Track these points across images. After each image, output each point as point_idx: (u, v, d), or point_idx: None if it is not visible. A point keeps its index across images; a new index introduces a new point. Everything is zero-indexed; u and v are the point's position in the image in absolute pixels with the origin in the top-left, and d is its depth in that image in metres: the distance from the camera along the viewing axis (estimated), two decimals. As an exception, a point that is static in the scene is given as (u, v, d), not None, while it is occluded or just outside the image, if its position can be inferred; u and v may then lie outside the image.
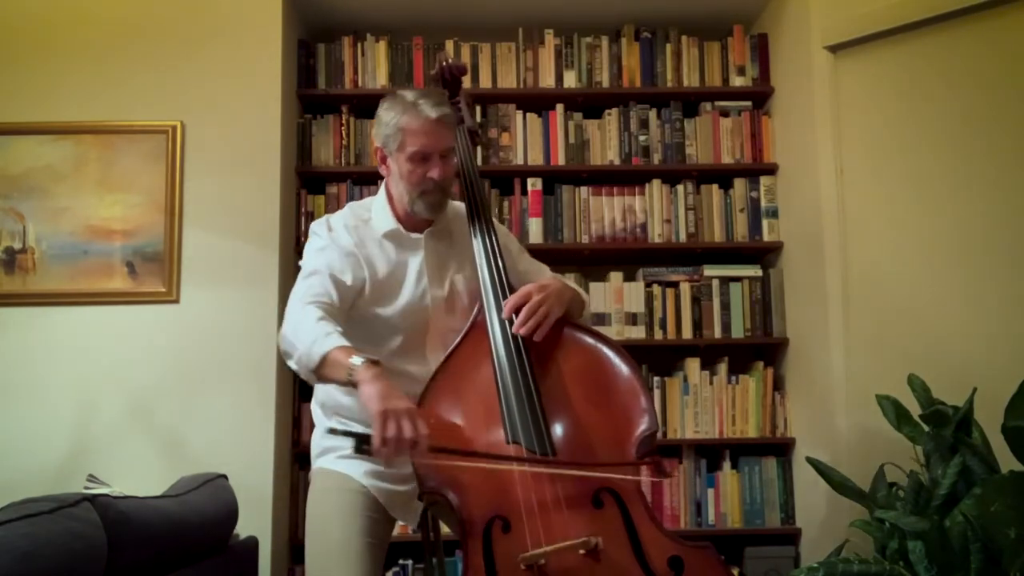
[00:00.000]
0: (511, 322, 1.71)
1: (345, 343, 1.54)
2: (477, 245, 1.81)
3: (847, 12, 2.74)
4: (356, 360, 1.49)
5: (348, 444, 1.62)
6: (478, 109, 3.10)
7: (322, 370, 1.54)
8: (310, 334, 1.56)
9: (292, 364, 1.61)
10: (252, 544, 2.27)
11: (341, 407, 1.82)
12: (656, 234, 3.10)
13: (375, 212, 1.84)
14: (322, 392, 1.86)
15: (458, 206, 1.90)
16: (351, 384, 1.49)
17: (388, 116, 1.75)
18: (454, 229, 1.87)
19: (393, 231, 1.81)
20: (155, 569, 1.66)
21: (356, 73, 3.14)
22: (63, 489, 1.77)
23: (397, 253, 1.81)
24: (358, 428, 1.78)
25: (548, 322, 1.70)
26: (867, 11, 2.68)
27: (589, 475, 1.56)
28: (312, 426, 1.91)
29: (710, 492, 2.99)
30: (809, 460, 2.27)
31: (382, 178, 1.85)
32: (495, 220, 1.91)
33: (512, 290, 1.75)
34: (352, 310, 1.77)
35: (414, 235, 1.82)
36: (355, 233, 1.80)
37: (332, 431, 1.53)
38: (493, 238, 1.81)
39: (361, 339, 1.77)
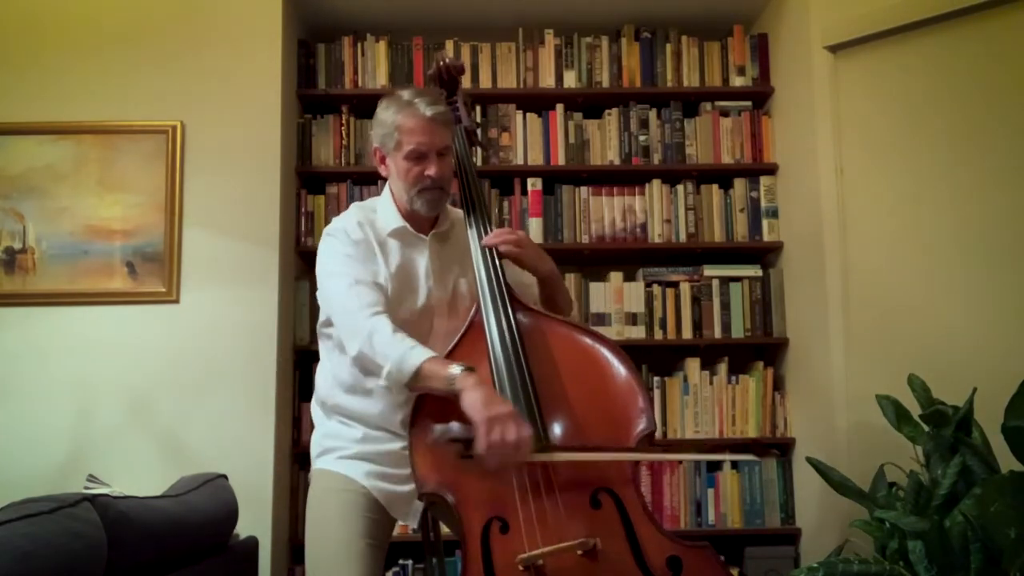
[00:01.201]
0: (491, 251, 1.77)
1: (434, 353, 1.59)
2: (475, 246, 1.81)
3: (847, 12, 2.74)
4: (455, 370, 1.54)
5: (351, 447, 1.64)
6: (478, 109, 3.10)
7: (417, 383, 1.59)
8: (394, 349, 1.59)
9: (381, 381, 1.64)
10: (252, 544, 2.27)
11: (341, 408, 1.82)
12: (656, 234, 3.10)
13: (381, 211, 1.85)
14: (322, 392, 1.86)
15: (460, 212, 1.91)
16: (451, 393, 1.54)
17: (385, 116, 1.77)
18: (458, 232, 1.88)
19: (400, 229, 1.82)
20: (155, 569, 1.66)
21: (356, 73, 3.14)
22: (63, 489, 1.77)
23: (404, 252, 1.82)
24: (361, 431, 1.79)
25: (521, 248, 1.78)
26: (867, 11, 2.68)
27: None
28: (312, 426, 1.91)
29: (710, 492, 2.99)
30: (809, 460, 2.27)
31: (383, 178, 1.86)
32: (494, 221, 1.91)
33: (509, 289, 1.76)
34: None
35: (419, 235, 1.83)
36: (370, 232, 1.80)
37: (450, 439, 1.54)
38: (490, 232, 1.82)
39: None
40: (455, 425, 1.53)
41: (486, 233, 1.82)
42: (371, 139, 1.85)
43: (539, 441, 1.60)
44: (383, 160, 1.82)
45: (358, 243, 1.77)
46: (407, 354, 1.58)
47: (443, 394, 1.56)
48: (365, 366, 1.65)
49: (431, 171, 1.75)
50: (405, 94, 1.77)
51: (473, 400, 1.50)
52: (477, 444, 1.47)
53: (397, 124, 1.75)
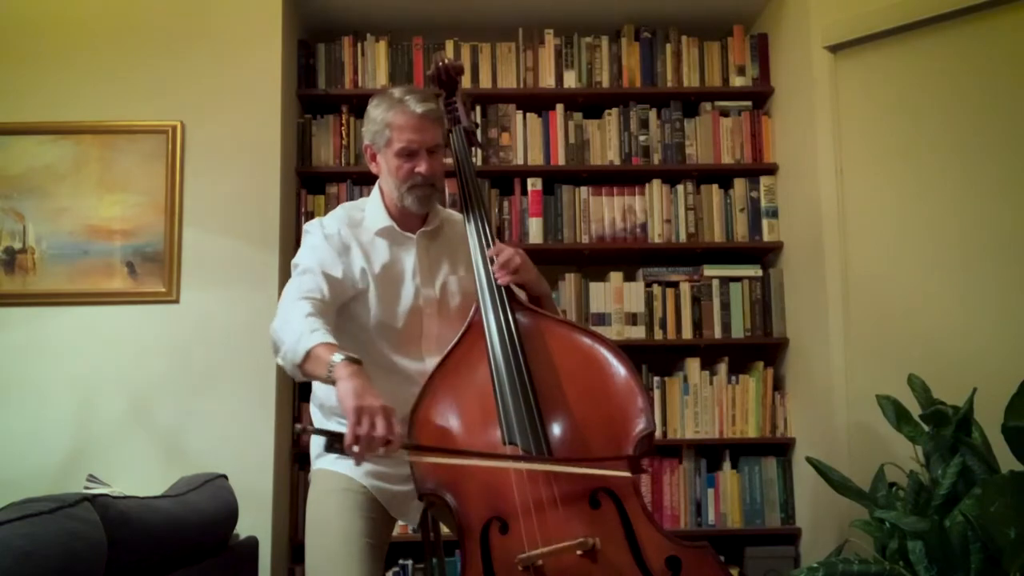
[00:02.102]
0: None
1: (329, 340, 1.54)
2: (474, 247, 1.81)
3: (847, 12, 2.74)
4: (336, 357, 1.50)
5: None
6: (478, 109, 3.10)
7: (305, 365, 1.55)
8: (296, 330, 1.57)
9: (278, 359, 1.62)
10: (252, 544, 2.28)
11: (341, 408, 1.81)
12: (656, 234, 3.10)
13: (368, 211, 1.86)
14: (321, 393, 1.86)
15: (453, 213, 1.93)
16: (330, 381, 1.50)
17: (376, 113, 1.79)
18: (447, 231, 1.89)
19: (387, 228, 1.83)
20: (155, 569, 1.66)
21: (356, 73, 3.14)
22: (63, 489, 1.78)
23: (391, 251, 1.83)
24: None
25: (519, 275, 1.77)
26: (867, 11, 2.68)
27: (575, 472, 1.56)
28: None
29: (710, 492, 2.99)
30: (809, 460, 2.27)
31: (377, 178, 1.87)
32: (493, 223, 1.92)
33: (508, 290, 1.77)
34: (353, 307, 1.78)
35: (407, 234, 1.84)
36: (349, 232, 1.81)
37: (303, 430, 1.53)
38: (490, 240, 1.82)
39: (360, 338, 1.78)
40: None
41: (486, 235, 1.82)
42: (362, 136, 1.86)
43: (539, 442, 1.60)
44: (374, 157, 1.85)
45: (329, 237, 1.79)
46: (304, 336, 1.54)
47: (324, 381, 1.53)
48: (273, 344, 1.64)
49: (421, 168, 1.76)
50: (396, 92, 1.78)
51: (345, 390, 1.44)
52: (345, 435, 1.41)
53: (388, 121, 1.76)
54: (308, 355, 1.53)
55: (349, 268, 1.78)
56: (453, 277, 1.85)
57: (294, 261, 1.80)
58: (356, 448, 1.41)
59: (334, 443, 1.44)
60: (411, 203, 1.80)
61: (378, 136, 1.79)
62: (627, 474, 1.53)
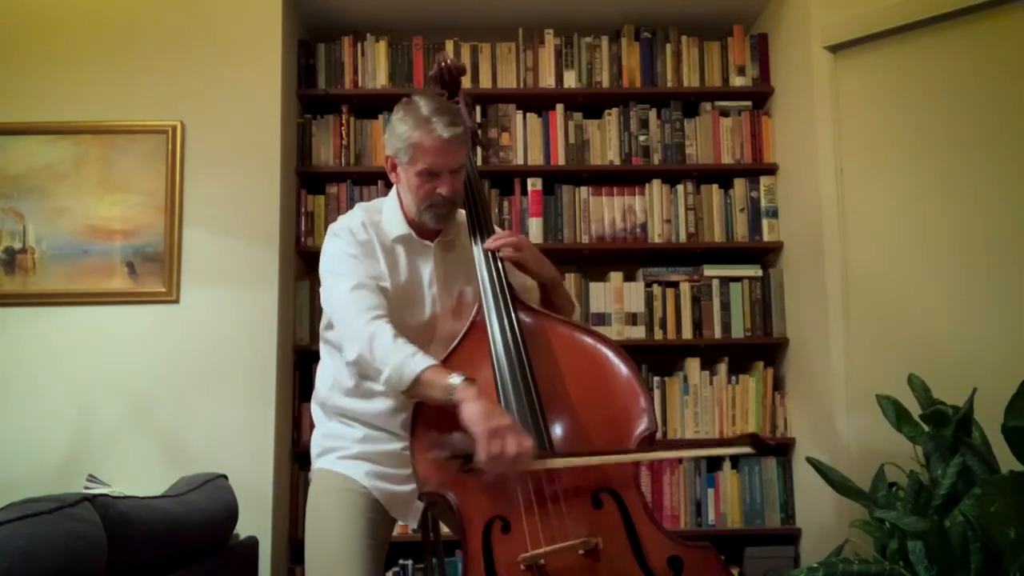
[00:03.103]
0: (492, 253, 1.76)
1: (435, 362, 1.59)
2: (477, 249, 1.80)
3: (847, 12, 2.74)
4: (455, 380, 1.54)
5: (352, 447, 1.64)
6: (478, 109, 3.10)
7: (415, 390, 1.59)
8: (395, 354, 1.59)
9: (379, 385, 1.64)
10: (252, 544, 2.27)
11: (342, 409, 1.82)
12: (656, 234, 3.10)
13: (386, 215, 1.83)
14: (322, 394, 1.86)
15: (463, 214, 1.90)
16: (449, 403, 1.54)
17: (401, 128, 1.73)
18: (463, 240, 1.87)
19: (405, 236, 1.81)
20: (155, 569, 1.66)
21: (356, 73, 3.14)
22: (63, 489, 1.77)
23: (408, 259, 1.81)
24: (362, 431, 1.79)
25: (521, 251, 1.77)
26: (867, 11, 2.68)
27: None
28: (312, 426, 1.91)
29: (710, 492, 2.99)
30: (809, 460, 2.27)
31: (383, 178, 1.86)
32: (499, 230, 1.91)
33: (511, 289, 1.76)
34: None
35: (425, 242, 1.82)
36: (375, 234, 1.79)
37: (451, 455, 1.55)
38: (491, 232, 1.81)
39: None
40: (455, 437, 1.54)
41: (487, 239, 1.81)
42: (384, 143, 1.82)
43: (541, 442, 1.60)
44: (395, 168, 1.79)
45: (363, 244, 1.76)
46: (407, 361, 1.58)
47: (441, 403, 1.56)
48: (364, 370, 1.66)
49: (443, 189, 1.74)
50: (424, 107, 1.72)
51: (472, 412, 1.50)
52: (478, 457, 1.48)
53: (413, 141, 1.71)
54: (418, 380, 1.57)
55: (385, 276, 1.76)
56: (468, 287, 1.84)
57: (332, 268, 1.76)
58: (490, 467, 1.48)
59: (467, 465, 1.51)
60: (428, 220, 1.78)
61: (401, 152, 1.75)
62: (749, 450, 1.59)
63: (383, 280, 1.74)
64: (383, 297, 1.71)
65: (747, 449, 1.57)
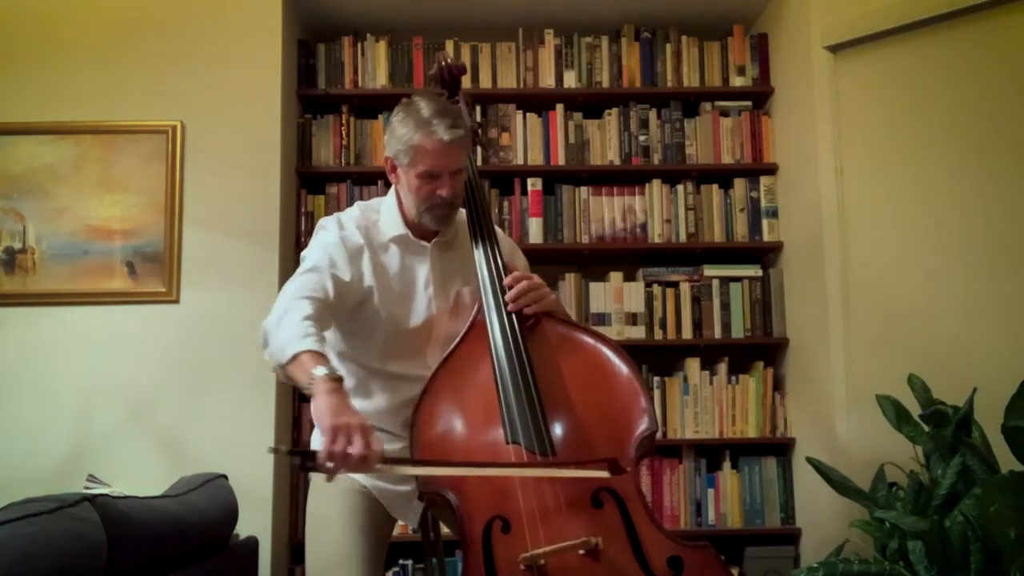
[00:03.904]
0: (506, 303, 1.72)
1: (318, 348, 1.51)
2: (478, 250, 1.80)
3: (847, 12, 2.74)
4: (318, 371, 1.46)
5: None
6: (478, 109, 3.10)
7: (289, 368, 1.53)
8: (290, 330, 1.54)
9: (265, 354, 1.59)
10: (252, 544, 2.27)
11: (317, 424, 1.81)
12: (656, 234, 3.10)
13: (384, 215, 1.82)
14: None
15: (462, 213, 1.88)
16: (308, 392, 1.47)
17: (401, 131, 1.71)
18: (461, 238, 1.86)
19: (401, 236, 1.80)
20: (155, 569, 1.66)
21: (356, 73, 3.14)
22: (63, 489, 1.77)
23: (404, 259, 1.80)
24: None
25: (541, 302, 1.72)
26: (867, 11, 2.68)
27: (559, 475, 1.55)
28: (312, 426, 1.90)
29: (710, 492, 2.99)
30: (809, 460, 2.27)
31: (383, 178, 1.85)
32: (499, 230, 1.90)
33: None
34: (362, 312, 1.76)
35: (422, 243, 1.81)
36: (365, 233, 1.78)
37: (275, 450, 1.52)
38: (494, 243, 1.81)
39: (367, 342, 1.77)
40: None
41: (487, 241, 1.80)
42: (384, 144, 1.81)
43: (541, 442, 1.60)
44: (394, 169, 1.78)
45: (345, 239, 1.75)
46: (296, 340, 1.52)
47: (303, 389, 1.50)
48: (263, 338, 1.61)
49: (443, 192, 1.72)
50: (424, 109, 1.70)
51: (321, 407, 1.42)
52: (319, 452, 1.39)
53: (413, 144, 1.69)
54: (295, 359, 1.51)
55: (361, 269, 1.75)
56: (466, 289, 1.82)
57: (304, 254, 1.76)
58: (331, 465, 1.39)
59: (306, 462, 1.41)
60: (428, 221, 1.77)
61: (401, 154, 1.73)
62: (605, 474, 1.49)
63: (340, 271, 1.71)
64: (331, 284, 1.67)
65: (603, 473, 1.51)
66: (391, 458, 1.52)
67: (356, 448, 1.38)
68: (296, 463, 1.42)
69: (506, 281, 1.74)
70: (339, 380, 1.48)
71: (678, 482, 2.98)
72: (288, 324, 1.56)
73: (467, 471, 1.57)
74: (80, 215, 2.82)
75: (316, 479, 1.83)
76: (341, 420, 1.40)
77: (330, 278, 1.68)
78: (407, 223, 1.81)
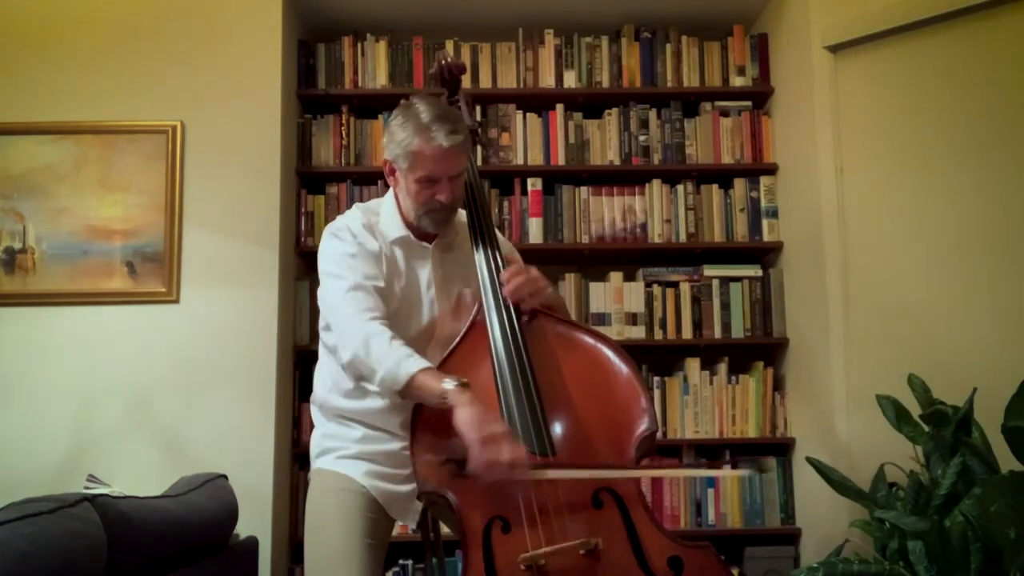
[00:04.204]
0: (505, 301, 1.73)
1: (429, 365, 1.58)
2: (478, 250, 1.80)
3: (847, 12, 2.74)
4: (448, 384, 1.53)
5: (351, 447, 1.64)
6: (478, 109, 3.10)
7: (409, 392, 1.58)
8: (389, 356, 1.58)
9: (373, 386, 1.63)
10: (252, 544, 2.27)
11: (341, 410, 1.81)
12: (656, 234, 3.10)
13: (383, 216, 1.82)
14: (320, 395, 1.86)
15: (462, 214, 1.88)
16: (443, 407, 1.53)
17: (401, 135, 1.70)
18: (462, 241, 1.86)
19: (403, 238, 1.80)
20: (155, 569, 1.66)
21: (356, 73, 3.14)
22: (63, 489, 1.78)
23: (406, 260, 1.80)
24: (361, 431, 1.79)
25: (539, 295, 1.74)
26: (867, 11, 2.68)
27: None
28: (312, 426, 1.91)
29: (710, 492, 2.99)
30: (809, 460, 2.27)
31: (383, 178, 1.84)
32: (498, 233, 1.90)
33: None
34: None
35: (423, 244, 1.81)
36: (372, 236, 1.78)
37: (445, 459, 1.55)
38: (495, 243, 1.81)
39: None
40: (454, 442, 1.52)
41: (487, 243, 1.80)
42: (383, 147, 1.80)
43: (542, 442, 1.60)
44: (393, 172, 1.78)
45: (362, 245, 1.75)
46: (402, 362, 1.56)
47: (434, 406, 1.55)
48: (358, 371, 1.64)
49: (442, 196, 1.72)
50: (424, 114, 1.69)
51: (465, 418, 1.49)
52: (470, 463, 1.47)
53: (412, 149, 1.69)
54: (411, 382, 1.56)
55: (384, 277, 1.75)
56: (468, 289, 1.82)
57: (330, 269, 1.74)
58: (484, 474, 1.47)
59: (460, 470, 1.50)
60: (428, 224, 1.77)
61: (400, 158, 1.72)
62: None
63: (378, 281, 1.72)
64: (380, 299, 1.70)
65: (749, 472, 1.56)
66: (539, 465, 1.56)
67: (506, 456, 1.46)
68: (451, 472, 1.51)
69: (504, 275, 1.74)
70: (468, 386, 1.54)
71: (678, 482, 2.98)
72: (381, 350, 1.60)
73: (616, 474, 1.59)
74: (80, 215, 2.82)
75: (316, 479, 1.83)
76: (487, 430, 1.48)
77: (376, 293, 1.70)
78: (407, 225, 1.81)
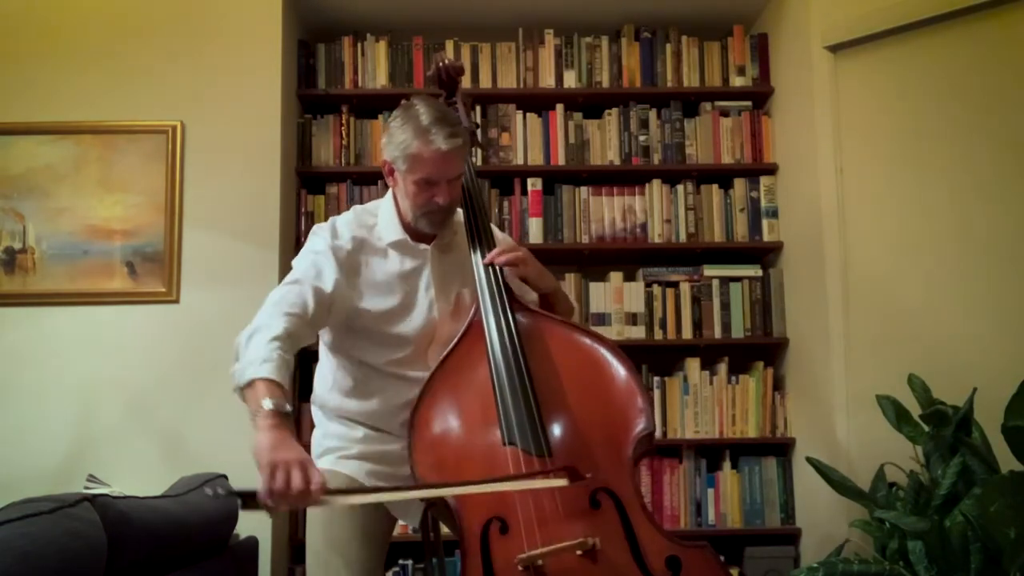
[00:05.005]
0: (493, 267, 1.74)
1: (274, 378, 1.48)
2: (475, 251, 1.80)
3: (847, 12, 2.74)
4: (266, 403, 1.44)
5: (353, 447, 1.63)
6: (478, 109, 3.10)
7: (244, 392, 1.51)
8: (254, 352, 1.52)
9: (231, 371, 1.56)
10: (252, 544, 2.28)
11: (341, 410, 1.81)
12: (656, 234, 3.10)
13: (381, 219, 1.82)
14: (321, 395, 1.86)
15: (459, 214, 1.88)
16: (254, 424, 1.45)
17: (400, 136, 1.70)
18: (460, 242, 1.85)
19: (400, 241, 1.80)
20: (155, 569, 1.66)
21: (356, 73, 3.14)
22: (63, 489, 1.78)
23: (404, 263, 1.80)
24: (362, 431, 1.79)
25: (523, 265, 1.75)
26: (867, 11, 2.68)
27: (515, 488, 1.54)
28: (312, 426, 1.91)
29: (710, 492, 2.99)
30: (809, 460, 2.27)
31: (383, 178, 1.84)
32: (496, 230, 1.90)
33: (508, 290, 1.75)
34: (362, 316, 1.75)
35: (421, 246, 1.81)
36: (361, 239, 1.78)
37: (216, 495, 1.50)
38: (491, 243, 1.81)
39: (369, 346, 1.77)
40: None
41: (485, 243, 1.80)
42: (381, 148, 1.79)
43: (538, 443, 1.60)
44: (391, 173, 1.77)
45: (337, 248, 1.73)
46: (255, 365, 1.49)
47: (250, 417, 1.48)
48: (234, 350, 1.59)
49: (440, 198, 1.72)
50: (424, 116, 1.69)
51: (260, 443, 1.40)
52: (259, 490, 1.36)
53: (411, 152, 1.68)
54: (250, 384, 1.49)
55: (351, 280, 1.73)
56: (466, 290, 1.82)
57: (294, 262, 1.75)
58: (271, 503, 1.37)
59: (248, 501, 1.38)
60: (425, 226, 1.76)
61: (399, 160, 1.72)
62: (563, 482, 1.48)
63: (324, 284, 1.68)
64: (314, 300, 1.65)
65: (562, 482, 1.50)
66: (333, 490, 1.49)
67: (296, 484, 1.36)
68: (238, 504, 1.40)
69: (492, 253, 1.75)
70: (285, 415, 1.45)
71: (678, 482, 2.98)
72: (255, 344, 1.53)
73: (411, 494, 1.56)
74: (80, 215, 2.83)
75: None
76: (279, 456, 1.37)
77: (311, 291, 1.65)
78: (405, 227, 1.80)
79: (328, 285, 1.68)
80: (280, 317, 1.58)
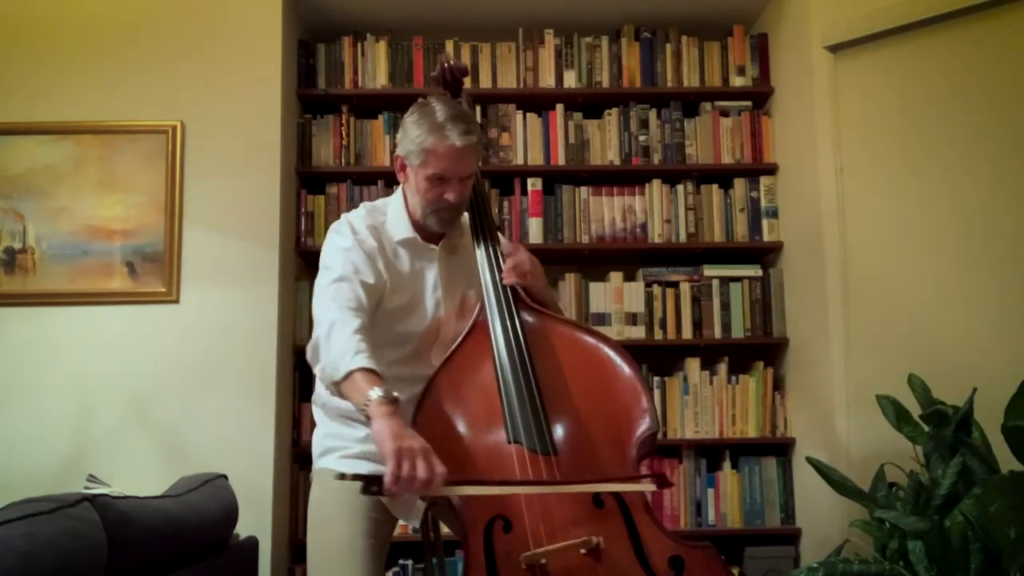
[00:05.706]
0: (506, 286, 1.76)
1: (372, 366, 1.52)
2: (480, 251, 1.80)
3: (847, 12, 2.74)
4: (374, 393, 1.47)
5: (354, 446, 1.62)
6: (478, 109, 3.10)
7: (342, 386, 1.54)
8: (342, 345, 1.55)
9: (316, 370, 1.60)
10: (252, 544, 2.27)
11: (343, 409, 1.81)
12: (656, 234, 3.10)
13: (391, 216, 1.83)
14: (323, 395, 1.85)
15: (465, 216, 1.89)
16: (363, 414, 1.49)
17: (415, 132, 1.72)
18: (467, 242, 1.86)
19: (409, 239, 1.81)
20: (155, 569, 1.66)
21: (356, 73, 3.14)
22: (63, 489, 1.77)
23: (412, 262, 1.81)
24: (363, 431, 1.79)
25: (531, 277, 1.77)
26: (867, 11, 2.68)
27: (596, 489, 1.55)
28: (313, 425, 1.91)
29: (710, 492, 2.99)
30: (809, 460, 2.27)
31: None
32: (500, 235, 1.91)
33: (513, 289, 1.76)
34: (374, 314, 1.76)
35: (430, 246, 1.82)
36: (376, 235, 1.79)
37: (341, 476, 1.49)
38: (496, 244, 1.82)
39: (377, 342, 1.77)
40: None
41: (490, 243, 1.81)
42: (397, 142, 1.80)
43: (544, 442, 1.60)
44: (403, 168, 1.78)
45: (361, 242, 1.76)
46: (349, 356, 1.52)
47: (357, 410, 1.51)
48: (315, 354, 1.61)
49: (450, 196, 1.73)
50: (439, 112, 1.71)
51: (382, 430, 1.43)
52: (385, 477, 1.39)
53: (425, 147, 1.70)
54: (349, 377, 1.52)
55: (379, 273, 1.75)
56: (472, 291, 1.83)
57: (324, 262, 1.75)
58: (395, 490, 1.40)
59: (371, 486, 1.42)
60: (433, 224, 1.77)
61: (412, 155, 1.73)
62: (653, 487, 1.53)
63: (367, 277, 1.71)
64: (363, 293, 1.68)
65: (651, 487, 1.52)
66: (454, 479, 1.50)
67: (421, 472, 1.40)
68: (360, 488, 1.43)
69: (506, 265, 1.76)
70: (395, 401, 1.48)
71: (678, 482, 2.98)
72: (337, 339, 1.56)
73: (526, 490, 1.56)
74: (80, 215, 2.82)
75: (318, 479, 1.83)
76: (404, 444, 1.41)
77: (360, 285, 1.68)
78: (414, 225, 1.81)
79: (369, 277, 1.71)
80: (347, 311, 1.62)
